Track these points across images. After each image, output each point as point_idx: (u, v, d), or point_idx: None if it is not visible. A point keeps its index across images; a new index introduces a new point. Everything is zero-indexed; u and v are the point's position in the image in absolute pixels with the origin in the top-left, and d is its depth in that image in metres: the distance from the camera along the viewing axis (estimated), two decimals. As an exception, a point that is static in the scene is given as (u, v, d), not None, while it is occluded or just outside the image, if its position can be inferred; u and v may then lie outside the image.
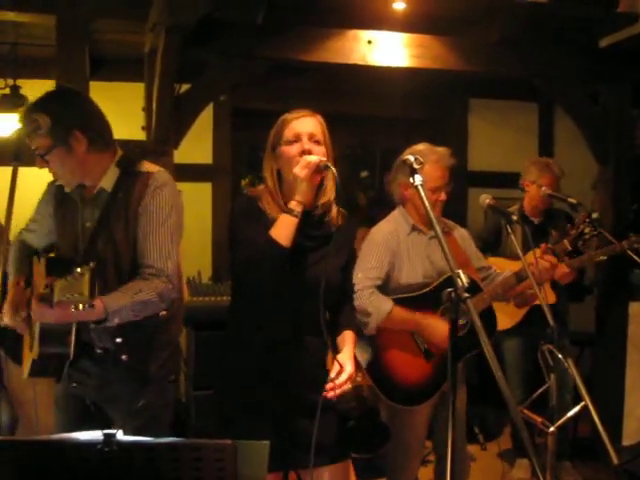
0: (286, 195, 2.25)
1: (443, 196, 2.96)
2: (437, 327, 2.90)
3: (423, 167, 2.86)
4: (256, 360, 2.25)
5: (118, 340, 2.31)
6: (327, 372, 2.24)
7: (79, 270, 1.86)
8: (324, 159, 2.15)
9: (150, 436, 2.34)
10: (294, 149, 2.19)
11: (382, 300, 2.88)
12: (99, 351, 2.34)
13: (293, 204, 2.15)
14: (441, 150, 2.97)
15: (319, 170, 2.14)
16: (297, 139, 2.20)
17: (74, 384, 2.41)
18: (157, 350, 2.43)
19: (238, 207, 2.32)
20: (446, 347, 2.75)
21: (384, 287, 2.95)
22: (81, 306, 1.88)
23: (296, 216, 2.14)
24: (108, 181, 2.38)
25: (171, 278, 2.31)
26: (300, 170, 2.12)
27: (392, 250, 2.93)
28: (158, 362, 2.44)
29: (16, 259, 2.52)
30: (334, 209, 2.30)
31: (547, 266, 3.00)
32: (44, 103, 2.32)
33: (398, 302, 2.92)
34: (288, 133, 2.22)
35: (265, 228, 2.18)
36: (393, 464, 3.14)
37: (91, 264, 1.89)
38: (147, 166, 2.45)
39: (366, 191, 6.10)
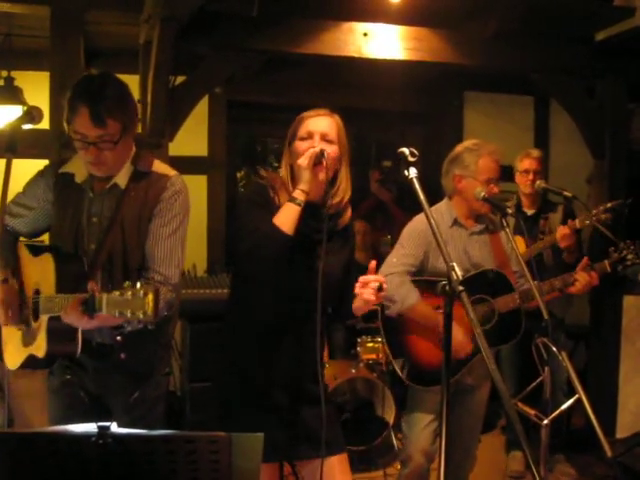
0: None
1: (495, 189, 3.01)
2: (454, 334, 2.90)
3: (477, 159, 2.96)
4: (256, 350, 2.27)
5: (118, 338, 2.30)
6: (324, 364, 2.25)
7: (139, 287, 1.83)
8: (323, 149, 2.21)
9: (146, 427, 2.36)
10: (304, 145, 2.26)
11: (410, 291, 2.92)
12: (94, 345, 2.31)
13: (297, 193, 2.20)
14: (493, 145, 3.08)
15: (318, 159, 2.20)
16: (309, 137, 2.27)
17: (68, 376, 2.40)
18: (153, 350, 2.43)
19: (246, 195, 2.39)
20: (458, 355, 2.81)
21: (419, 274, 3.00)
22: (134, 324, 1.87)
23: (299, 204, 2.18)
24: (122, 177, 2.35)
25: (176, 287, 2.33)
26: (302, 160, 2.20)
27: (430, 241, 2.94)
28: (154, 361, 2.45)
29: (0, 252, 2.38)
30: (349, 212, 2.38)
31: (584, 282, 3.03)
32: (106, 86, 2.24)
33: (426, 284, 2.95)
34: (302, 130, 2.29)
35: (271, 216, 2.22)
36: (404, 441, 3.19)
37: (152, 284, 1.88)
38: (160, 166, 2.43)
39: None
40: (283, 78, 5.31)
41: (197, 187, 5.35)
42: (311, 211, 2.24)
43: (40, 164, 2.75)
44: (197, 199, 5.34)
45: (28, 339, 2.31)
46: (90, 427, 1.47)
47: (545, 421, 2.55)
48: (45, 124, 2.46)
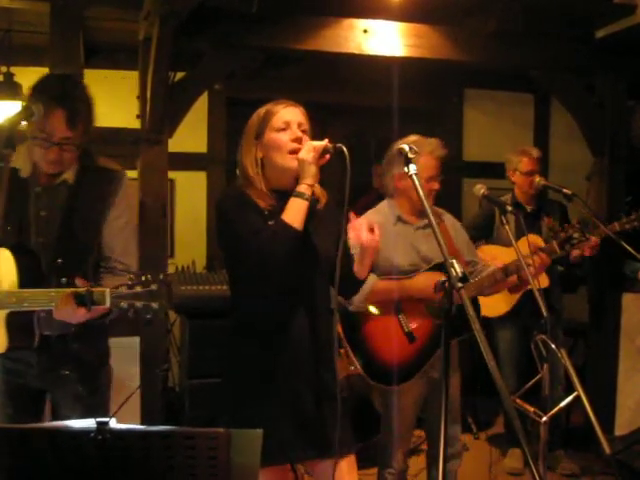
0: (270, 181, 2.27)
1: (436, 185, 3.07)
2: (422, 282, 2.98)
3: (418, 158, 2.93)
4: (265, 348, 2.23)
5: (72, 329, 2.33)
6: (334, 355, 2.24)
7: (147, 279, 1.93)
8: (330, 144, 2.18)
9: (98, 415, 2.35)
10: (286, 136, 2.22)
11: None
12: (37, 339, 2.32)
13: (303, 187, 2.17)
14: (433, 141, 3.08)
15: (324, 153, 2.17)
16: (287, 127, 2.24)
17: (67, 372, 2.40)
18: (102, 335, 2.54)
19: (229, 202, 2.29)
20: (434, 298, 2.77)
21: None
22: (142, 313, 1.98)
23: (307, 199, 2.16)
24: (71, 173, 2.41)
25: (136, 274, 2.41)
26: (307, 154, 2.15)
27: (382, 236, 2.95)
28: (102, 347, 2.56)
29: None
30: (325, 194, 2.37)
31: (536, 265, 3.13)
32: (77, 89, 2.33)
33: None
34: (277, 121, 2.25)
35: (260, 216, 2.20)
36: (382, 450, 3.18)
37: (162, 276, 1.99)
38: (103, 161, 2.51)
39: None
40: (283, 75, 5.30)
41: (196, 183, 5.35)
42: (284, 198, 2.20)
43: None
44: (196, 195, 5.34)
45: None
46: (89, 422, 1.47)
47: (544, 418, 2.55)
48: (44, 120, 2.45)
